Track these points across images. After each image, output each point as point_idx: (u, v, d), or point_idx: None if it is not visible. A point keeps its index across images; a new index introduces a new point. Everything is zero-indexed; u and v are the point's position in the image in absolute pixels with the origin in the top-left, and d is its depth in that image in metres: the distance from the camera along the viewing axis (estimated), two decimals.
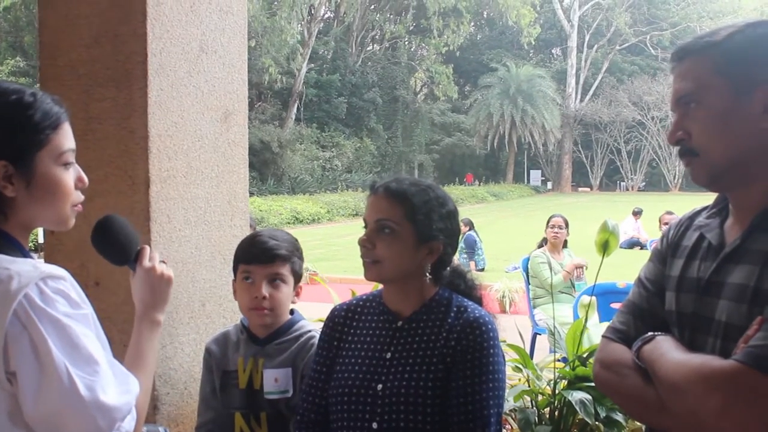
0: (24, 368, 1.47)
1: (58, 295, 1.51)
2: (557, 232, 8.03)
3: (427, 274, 2.23)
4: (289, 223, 27.84)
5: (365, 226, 2.23)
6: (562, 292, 7.61)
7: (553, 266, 7.80)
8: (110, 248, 1.95)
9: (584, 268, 7.88)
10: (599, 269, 3.02)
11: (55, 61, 2.96)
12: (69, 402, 1.48)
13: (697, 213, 1.83)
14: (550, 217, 8.28)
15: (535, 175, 62.68)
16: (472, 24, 60.18)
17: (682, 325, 1.70)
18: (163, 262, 1.96)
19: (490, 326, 2.18)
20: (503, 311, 11.12)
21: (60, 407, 1.49)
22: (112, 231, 1.94)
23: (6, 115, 1.57)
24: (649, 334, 1.70)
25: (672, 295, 1.75)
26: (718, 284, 1.61)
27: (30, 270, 1.51)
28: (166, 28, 2.85)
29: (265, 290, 2.52)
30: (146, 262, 1.93)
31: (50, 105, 1.63)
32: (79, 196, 1.69)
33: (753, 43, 1.59)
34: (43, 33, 3.02)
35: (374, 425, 2.14)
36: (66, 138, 1.65)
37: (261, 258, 2.55)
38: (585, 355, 2.86)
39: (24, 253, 1.60)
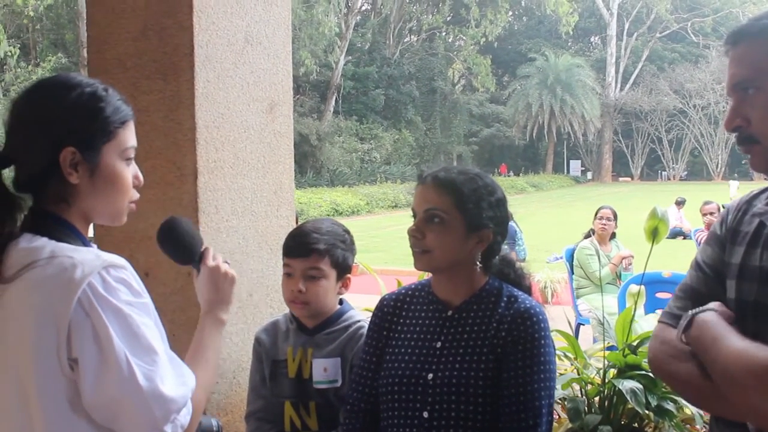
0: (85, 355, 1.49)
1: (120, 284, 1.53)
2: (605, 224, 7.93)
3: (478, 263, 2.22)
4: (328, 215, 27.87)
5: (414, 216, 2.21)
6: (608, 283, 7.52)
7: (601, 258, 7.71)
8: (176, 248, 1.96)
9: (632, 258, 7.77)
10: (648, 257, 2.98)
11: (103, 54, 3.00)
12: (127, 391, 1.50)
13: (755, 197, 1.77)
14: (599, 209, 8.18)
15: (575, 165, 62.22)
16: (510, 14, 59.84)
17: (744, 313, 1.66)
18: (226, 262, 1.97)
19: (541, 317, 2.16)
20: (545, 302, 11.03)
21: (118, 395, 1.50)
22: (177, 232, 1.95)
23: (80, 104, 1.61)
24: (693, 311, 1.65)
25: (733, 284, 1.71)
26: None
27: (93, 259, 1.53)
28: (212, 20, 2.87)
29: (302, 284, 2.52)
30: (210, 261, 1.94)
31: (120, 102, 1.68)
32: (135, 194, 1.72)
33: None
34: (90, 27, 3.06)
35: (425, 414, 2.14)
36: (131, 135, 1.69)
37: (298, 252, 2.55)
38: (635, 344, 2.83)
39: (84, 243, 1.63)
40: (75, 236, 1.61)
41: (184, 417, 1.60)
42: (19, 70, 32.27)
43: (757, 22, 1.61)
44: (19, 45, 33.95)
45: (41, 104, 1.61)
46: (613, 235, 8.08)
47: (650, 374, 2.71)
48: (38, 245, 1.55)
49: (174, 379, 1.58)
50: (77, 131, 1.60)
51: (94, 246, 1.66)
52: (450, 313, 2.24)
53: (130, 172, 1.69)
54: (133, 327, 1.52)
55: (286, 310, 2.77)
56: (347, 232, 2.67)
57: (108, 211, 1.68)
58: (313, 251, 2.53)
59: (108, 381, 1.49)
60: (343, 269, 2.61)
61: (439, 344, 2.20)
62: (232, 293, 1.95)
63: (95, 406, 1.52)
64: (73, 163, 1.59)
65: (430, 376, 2.16)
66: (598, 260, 7.67)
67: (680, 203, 20.09)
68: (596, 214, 8.12)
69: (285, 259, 2.60)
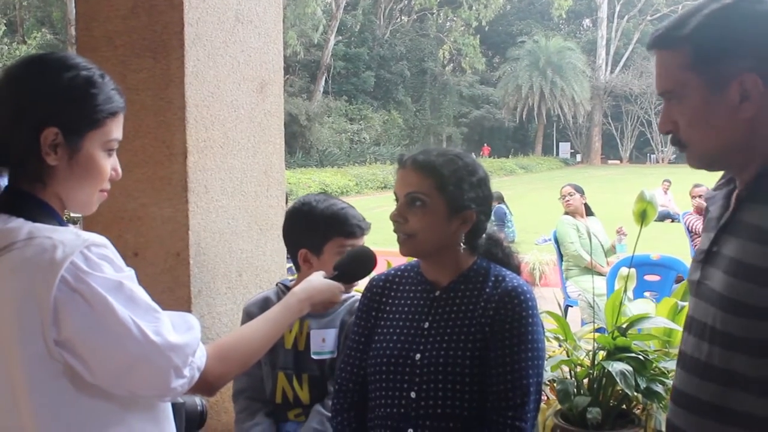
0: (82, 332, 1.48)
1: (103, 260, 1.52)
2: (568, 200, 8.03)
3: (462, 244, 2.21)
4: None
5: (396, 200, 2.21)
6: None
7: (581, 229, 7.74)
8: (356, 272, 2.29)
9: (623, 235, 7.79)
10: (637, 240, 2.98)
11: (92, 32, 2.96)
12: (144, 351, 1.50)
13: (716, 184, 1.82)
14: (562, 188, 8.28)
15: (564, 148, 62.24)
16: None
17: (693, 293, 1.71)
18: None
19: (528, 295, 2.16)
20: (533, 284, 11.05)
21: (135, 358, 1.51)
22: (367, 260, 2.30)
23: (73, 87, 1.59)
24: None
25: (692, 265, 1.76)
26: (715, 254, 1.61)
27: (73, 238, 1.51)
28: None
29: None
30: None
31: (113, 92, 1.65)
32: (107, 184, 1.70)
33: (723, 31, 1.55)
34: (79, 4, 3.03)
35: (412, 394, 2.14)
36: (117, 128, 1.67)
37: (359, 233, 2.62)
38: (625, 326, 2.84)
39: (61, 222, 1.61)
40: (51, 216, 1.59)
41: (200, 359, 1.62)
42: (4, 47, 32.01)
43: (670, 32, 1.62)
44: (5, 22, 33.70)
45: (34, 79, 1.58)
46: (588, 211, 8.10)
47: (639, 356, 2.73)
48: (14, 226, 1.53)
49: (180, 326, 1.60)
50: (64, 113, 1.57)
51: (71, 226, 1.64)
52: (438, 293, 2.23)
53: (109, 164, 1.67)
54: (127, 292, 1.52)
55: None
56: None
57: (79, 198, 1.66)
58: (365, 231, 2.66)
59: (120, 348, 1.49)
60: None
61: (426, 324, 2.20)
62: (321, 309, 2.18)
63: (110, 377, 1.52)
64: (54, 144, 1.56)
65: (418, 356, 2.16)
66: (577, 234, 7.70)
67: (666, 182, 20.15)
68: None
69: (343, 239, 2.59)
